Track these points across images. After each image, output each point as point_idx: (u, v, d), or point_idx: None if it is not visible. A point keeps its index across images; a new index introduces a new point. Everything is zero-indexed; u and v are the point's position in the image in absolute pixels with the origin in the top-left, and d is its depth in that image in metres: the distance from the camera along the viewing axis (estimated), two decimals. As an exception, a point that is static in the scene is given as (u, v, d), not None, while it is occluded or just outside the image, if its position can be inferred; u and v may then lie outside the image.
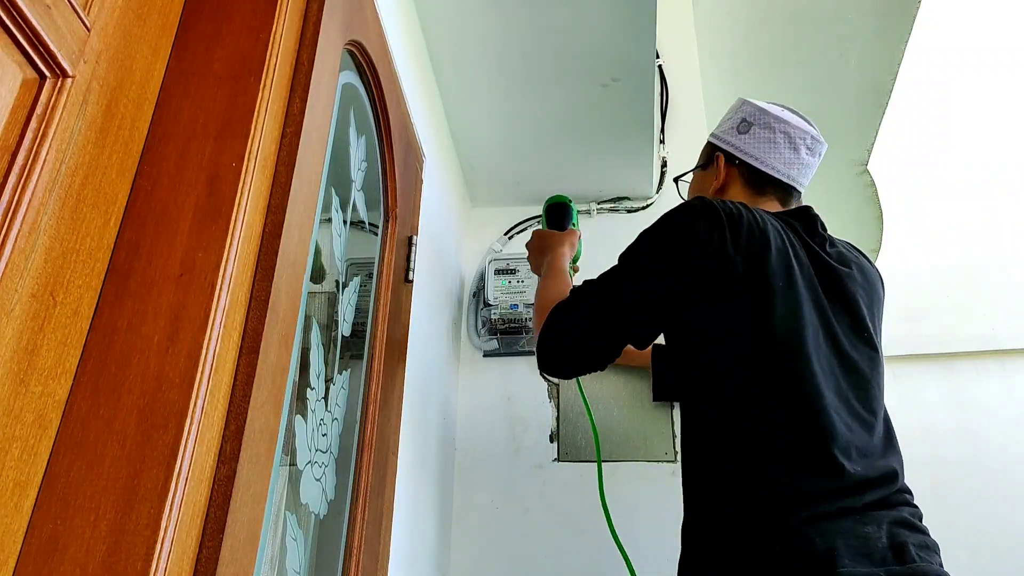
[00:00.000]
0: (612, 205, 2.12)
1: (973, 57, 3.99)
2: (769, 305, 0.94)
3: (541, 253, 1.45)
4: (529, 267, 1.92)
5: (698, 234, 0.98)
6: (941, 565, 0.88)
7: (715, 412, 0.96)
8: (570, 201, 1.59)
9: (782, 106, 1.26)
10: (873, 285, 1.12)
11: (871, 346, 1.03)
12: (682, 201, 1.32)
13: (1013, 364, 3.80)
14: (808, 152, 1.20)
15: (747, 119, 1.23)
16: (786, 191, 1.19)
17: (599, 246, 2.08)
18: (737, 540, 0.88)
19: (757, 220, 1.01)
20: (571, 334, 1.08)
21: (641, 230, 1.08)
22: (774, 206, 1.18)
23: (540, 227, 1.62)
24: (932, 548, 0.89)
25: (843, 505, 0.86)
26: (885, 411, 1.03)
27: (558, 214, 1.58)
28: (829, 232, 1.14)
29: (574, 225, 1.57)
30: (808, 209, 1.14)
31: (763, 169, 1.19)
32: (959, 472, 3.56)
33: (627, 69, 1.65)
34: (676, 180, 1.41)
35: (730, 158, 1.23)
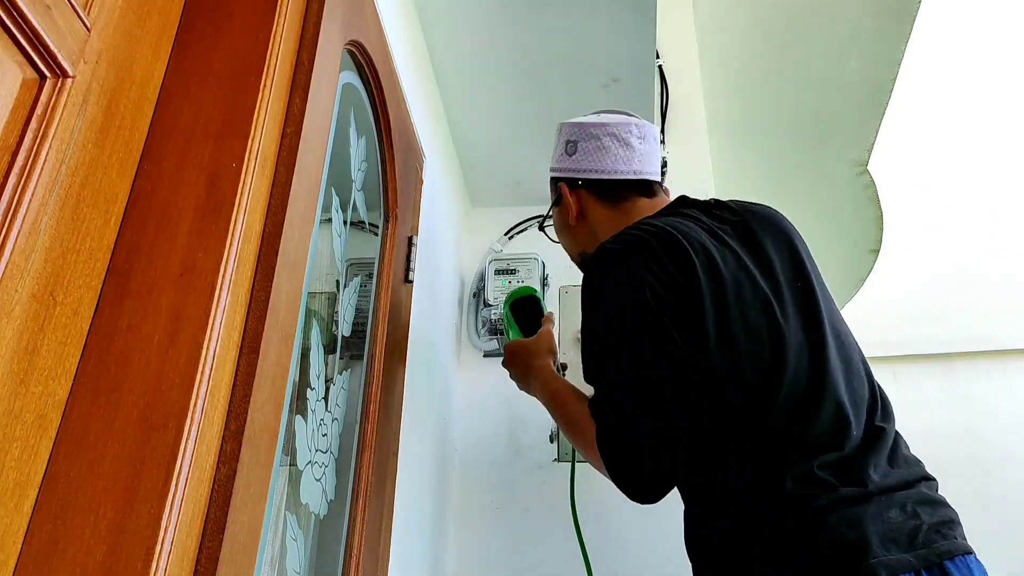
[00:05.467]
0: (612, 205, 2.13)
1: (974, 57, 3.99)
2: (711, 314, 0.92)
3: (524, 373, 1.25)
4: (529, 268, 1.93)
5: (632, 275, 0.94)
6: (964, 536, 0.88)
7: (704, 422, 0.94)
8: (534, 291, 1.39)
9: (599, 112, 1.24)
10: (783, 231, 1.06)
11: (820, 307, 0.98)
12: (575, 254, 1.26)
13: (1013, 364, 3.81)
14: (640, 140, 1.17)
15: (570, 140, 1.21)
16: (643, 187, 1.16)
17: (599, 246, 2.08)
18: (757, 531, 0.86)
19: (664, 230, 0.97)
20: (636, 459, 0.90)
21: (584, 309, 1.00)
22: (644, 206, 1.14)
23: (506, 334, 1.38)
24: (955, 521, 0.88)
25: (864, 491, 0.84)
26: (867, 374, 0.98)
27: (527, 311, 1.35)
28: (718, 198, 1.11)
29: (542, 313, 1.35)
30: (684, 197, 1.11)
31: (609, 178, 1.16)
32: (959, 472, 3.56)
33: (627, 69, 1.65)
34: (542, 228, 1.35)
35: (571, 184, 1.20)
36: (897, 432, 0.96)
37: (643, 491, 0.91)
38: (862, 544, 0.80)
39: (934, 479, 0.94)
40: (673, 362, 0.93)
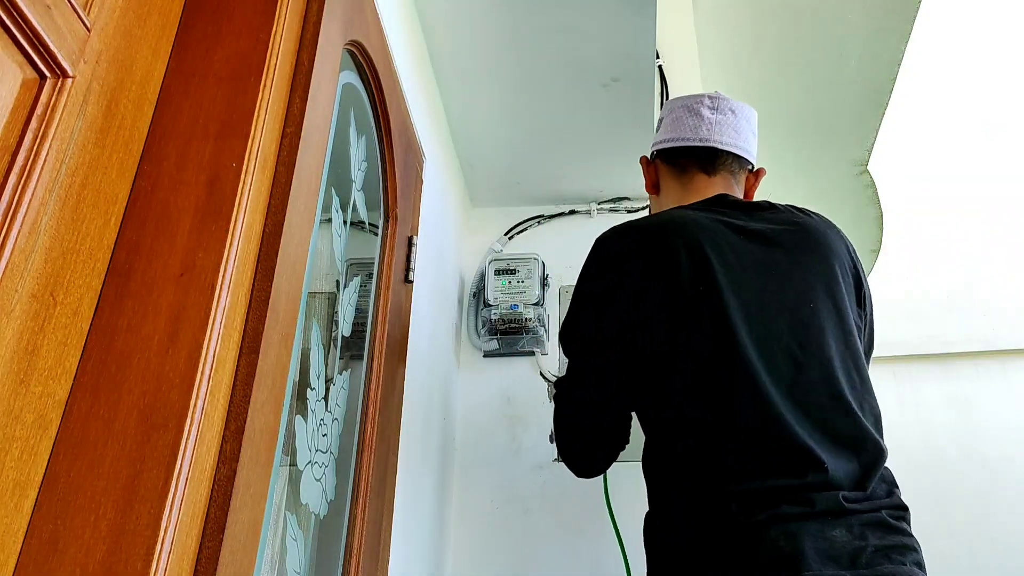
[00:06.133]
0: (612, 205, 2.13)
1: (974, 57, 3.99)
2: (693, 311, 0.93)
3: None
4: (529, 268, 1.94)
5: (610, 273, 1.02)
6: (919, 564, 0.85)
7: (664, 415, 0.96)
8: None
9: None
10: (819, 244, 1.05)
11: (834, 320, 0.97)
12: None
13: (1013, 364, 3.80)
14: (711, 110, 1.20)
15: (660, 117, 1.28)
16: (706, 157, 1.17)
17: (599, 246, 2.08)
18: (700, 539, 0.87)
19: (660, 225, 1.02)
20: (577, 429, 1.08)
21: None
22: (700, 181, 1.17)
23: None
24: (909, 547, 0.86)
25: (809, 508, 0.83)
26: (863, 392, 0.96)
27: None
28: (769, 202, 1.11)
29: None
30: (724, 196, 1.12)
31: (674, 145, 1.20)
32: (959, 472, 3.56)
33: (627, 69, 1.65)
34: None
35: (651, 156, 1.28)
36: (876, 460, 0.91)
37: (577, 469, 1.10)
38: (797, 556, 0.79)
39: (903, 507, 0.91)
40: (629, 353, 0.98)
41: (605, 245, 1.07)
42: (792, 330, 0.94)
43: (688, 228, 1.00)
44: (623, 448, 1.08)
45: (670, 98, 1.29)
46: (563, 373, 1.90)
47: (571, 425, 1.08)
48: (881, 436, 0.94)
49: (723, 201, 1.11)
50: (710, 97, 1.21)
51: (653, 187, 1.27)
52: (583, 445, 1.08)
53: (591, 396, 1.04)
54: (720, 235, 1.00)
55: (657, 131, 1.27)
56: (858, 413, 0.93)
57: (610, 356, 1.01)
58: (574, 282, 1.99)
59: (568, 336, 1.08)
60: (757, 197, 1.21)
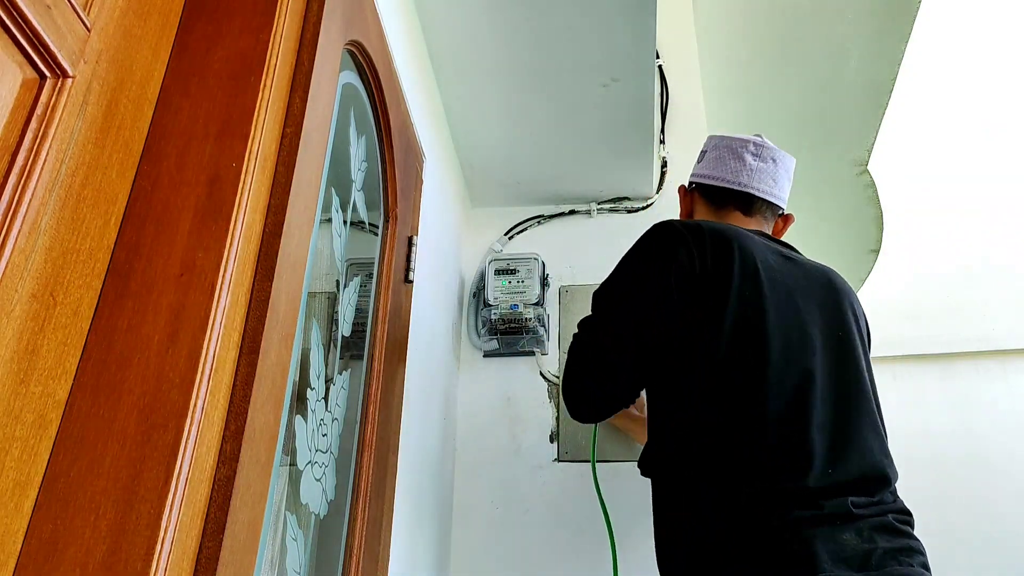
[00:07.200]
0: (612, 205, 2.12)
1: (974, 57, 3.98)
2: (732, 308, 0.98)
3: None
4: (529, 268, 1.94)
5: (665, 253, 1.05)
6: (924, 565, 0.89)
7: (679, 410, 0.99)
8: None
9: (751, 135, 1.33)
10: (842, 290, 1.14)
11: (851, 345, 1.05)
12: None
13: (1013, 364, 3.80)
14: (755, 157, 1.25)
15: (704, 150, 1.33)
16: (744, 200, 1.24)
17: (599, 246, 2.08)
18: (714, 539, 0.89)
19: (719, 229, 1.07)
20: (582, 378, 1.13)
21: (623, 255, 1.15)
22: (737, 218, 1.24)
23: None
24: (915, 550, 0.90)
25: (819, 512, 0.86)
26: (872, 404, 1.03)
27: None
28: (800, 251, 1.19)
29: None
30: (763, 231, 1.21)
31: (714, 184, 1.26)
32: (958, 472, 3.56)
33: (627, 69, 1.65)
34: None
35: (689, 186, 1.34)
36: (886, 475, 0.96)
37: (572, 411, 1.16)
38: (811, 560, 0.82)
39: (907, 512, 0.96)
40: (656, 335, 1.03)
41: (666, 229, 1.10)
42: (818, 351, 1.00)
43: (743, 238, 1.06)
44: (623, 407, 1.14)
45: (713, 133, 1.36)
46: (560, 374, 1.90)
47: (578, 366, 1.13)
48: (889, 456, 1.00)
49: (763, 232, 1.19)
50: (755, 144, 1.26)
51: (688, 216, 1.32)
52: (580, 388, 1.13)
53: (603, 356, 1.09)
54: (768, 254, 1.07)
55: (698, 162, 1.32)
56: (871, 431, 0.98)
57: (632, 329, 1.06)
58: (574, 282, 2.01)
59: (601, 295, 1.13)
60: None
